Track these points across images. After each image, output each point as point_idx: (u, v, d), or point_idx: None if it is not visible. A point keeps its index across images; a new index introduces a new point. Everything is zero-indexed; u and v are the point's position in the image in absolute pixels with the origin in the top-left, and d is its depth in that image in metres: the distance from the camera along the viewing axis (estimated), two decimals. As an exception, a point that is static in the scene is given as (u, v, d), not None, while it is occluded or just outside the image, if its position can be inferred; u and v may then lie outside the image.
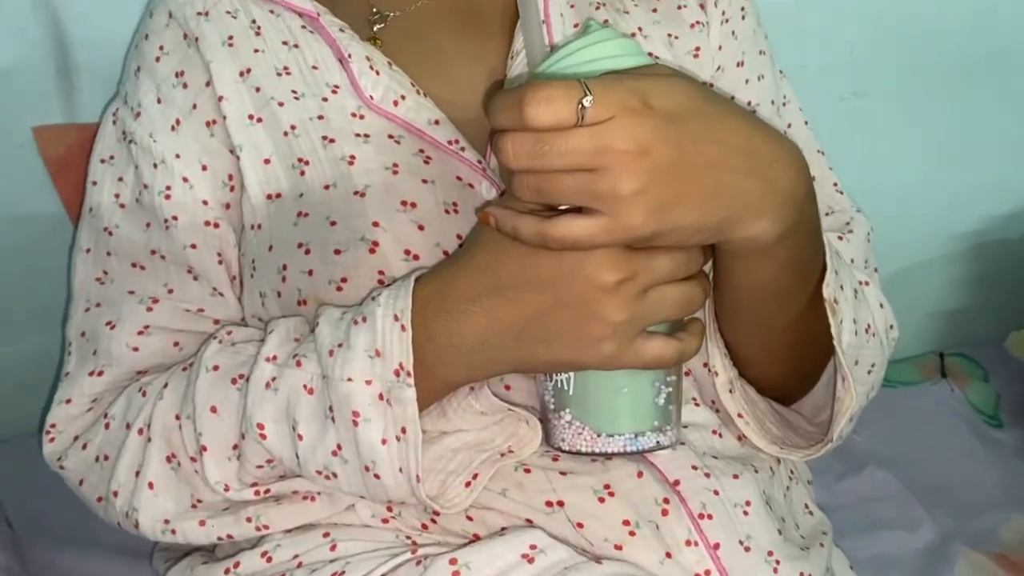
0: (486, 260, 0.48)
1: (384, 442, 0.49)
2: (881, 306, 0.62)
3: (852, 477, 0.94)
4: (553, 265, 0.46)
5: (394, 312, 0.49)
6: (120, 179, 0.63)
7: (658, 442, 0.50)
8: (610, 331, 0.46)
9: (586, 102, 0.41)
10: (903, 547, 0.88)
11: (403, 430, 0.49)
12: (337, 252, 0.56)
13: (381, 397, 0.49)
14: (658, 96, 0.42)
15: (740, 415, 0.59)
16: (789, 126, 0.71)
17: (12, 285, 0.84)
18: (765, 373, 0.60)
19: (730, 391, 0.59)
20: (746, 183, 0.45)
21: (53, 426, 0.60)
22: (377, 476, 0.50)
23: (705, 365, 0.59)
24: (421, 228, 0.57)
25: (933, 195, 1.04)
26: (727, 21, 0.68)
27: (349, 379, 0.49)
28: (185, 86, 0.62)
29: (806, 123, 0.72)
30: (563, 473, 0.55)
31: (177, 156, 0.61)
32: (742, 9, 0.69)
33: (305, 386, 0.51)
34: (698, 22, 0.67)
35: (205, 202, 0.61)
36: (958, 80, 0.98)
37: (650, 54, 0.63)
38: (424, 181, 0.58)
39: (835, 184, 0.71)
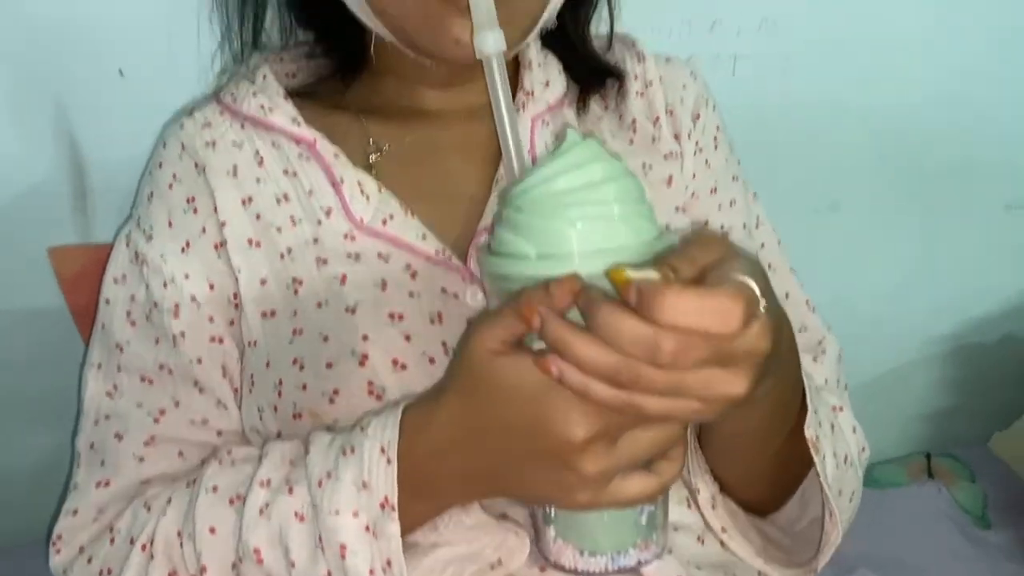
0: (465, 400, 0.50)
1: (372, 572, 0.51)
2: (854, 430, 0.66)
3: (843, 581, 0.96)
4: (526, 416, 0.47)
5: (381, 444, 0.52)
6: (132, 298, 0.67)
7: (639, 560, 0.52)
8: (583, 483, 0.47)
9: (761, 308, 0.42)
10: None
11: (388, 562, 0.51)
12: (329, 366, 0.60)
13: (368, 529, 0.51)
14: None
15: (724, 529, 0.62)
16: (762, 246, 0.75)
17: (24, 398, 0.87)
18: (745, 495, 0.62)
19: (712, 507, 0.62)
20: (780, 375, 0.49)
21: (60, 537, 0.63)
22: None
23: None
24: (408, 339, 0.60)
25: (909, 301, 1.07)
26: (700, 151, 0.72)
27: (337, 511, 0.52)
28: (195, 211, 0.66)
29: (779, 242, 0.76)
30: None
31: (186, 276, 0.65)
32: (715, 139, 0.74)
33: (296, 513, 0.53)
34: (672, 153, 0.71)
35: (211, 319, 0.65)
36: (928, 191, 1.03)
37: None
38: (411, 294, 0.62)
39: (807, 302, 0.75)
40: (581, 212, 0.47)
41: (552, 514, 0.53)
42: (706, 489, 0.61)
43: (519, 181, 0.50)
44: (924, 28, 0.94)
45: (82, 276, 0.79)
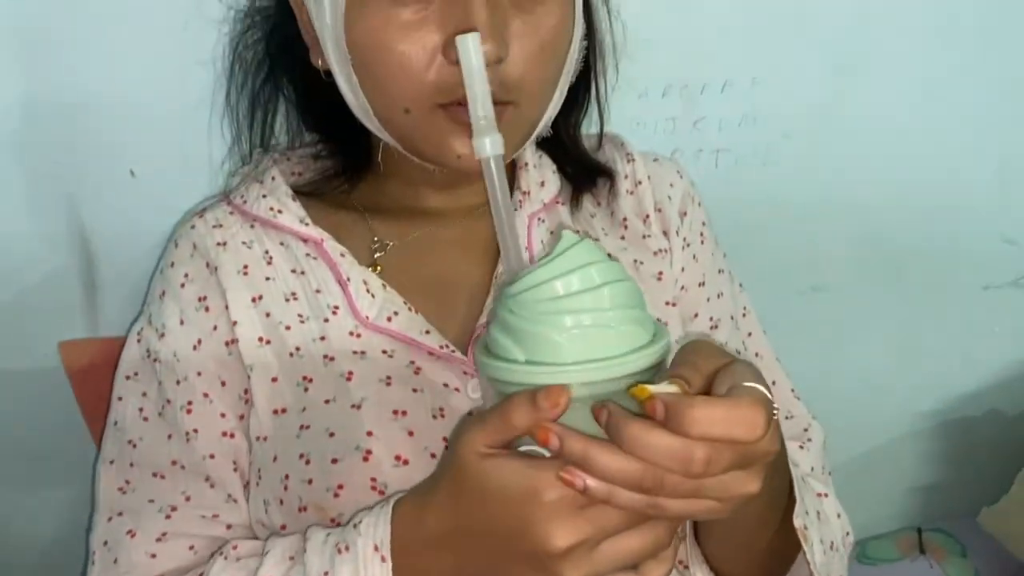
0: (454, 500, 0.51)
1: None
2: (838, 516, 0.68)
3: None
4: (510, 520, 0.48)
5: (374, 542, 0.53)
6: (144, 394, 0.69)
7: None
8: None
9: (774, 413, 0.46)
10: None
11: None
12: (334, 461, 0.62)
13: None
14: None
15: None
16: (749, 335, 0.78)
17: (33, 489, 0.89)
18: (734, 572, 0.65)
19: None
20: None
21: None
22: None
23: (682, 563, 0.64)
24: (411, 434, 0.62)
25: (895, 378, 1.10)
26: (688, 246, 0.76)
27: None
28: (207, 310, 0.69)
29: (763, 332, 0.79)
30: None
31: (199, 374, 0.67)
32: (701, 235, 0.77)
33: None
34: (662, 249, 0.74)
35: (223, 415, 0.67)
36: (908, 272, 1.06)
37: None
38: (415, 390, 0.64)
39: (792, 390, 0.78)
40: (575, 320, 0.49)
41: None
42: (700, 570, 0.63)
43: (514, 281, 0.51)
44: (899, 117, 0.98)
45: (91, 369, 0.81)
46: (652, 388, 0.45)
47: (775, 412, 0.47)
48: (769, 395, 0.46)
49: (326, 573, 0.54)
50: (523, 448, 0.49)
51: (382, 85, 0.63)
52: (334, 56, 0.64)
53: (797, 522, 0.59)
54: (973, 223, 1.06)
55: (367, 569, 0.53)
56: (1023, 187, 1.05)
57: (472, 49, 0.54)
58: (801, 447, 0.73)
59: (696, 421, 0.43)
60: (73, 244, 0.83)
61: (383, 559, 0.53)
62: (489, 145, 0.54)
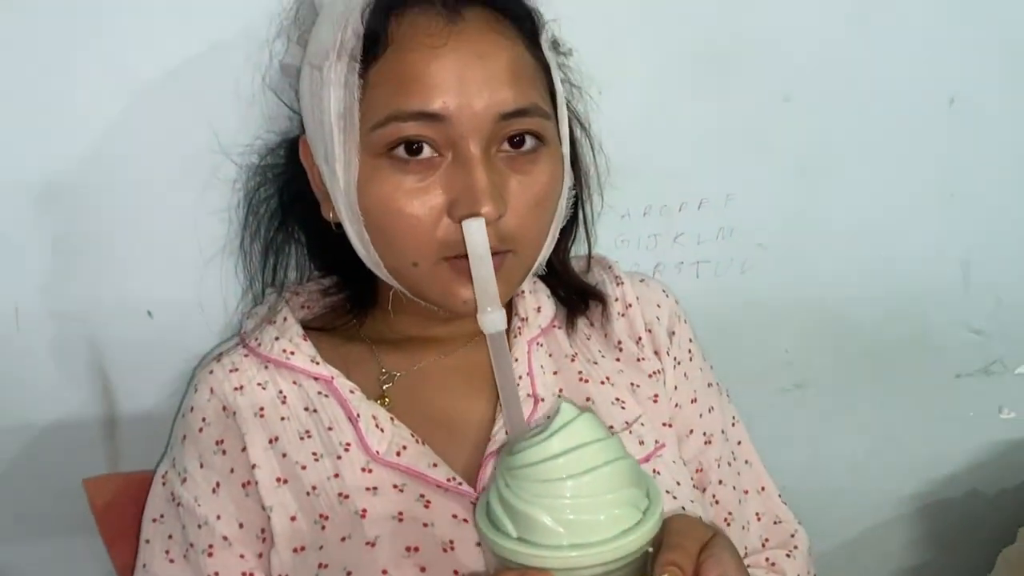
0: None
1: None
2: None
3: None
4: None
5: None
6: (170, 537, 0.73)
7: None
8: None
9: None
10: None
11: None
12: None
13: None
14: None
15: None
16: (739, 443, 0.83)
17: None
18: None
19: None
20: None
21: None
22: None
23: None
24: (423, 570, 0.66)
25: (876, 465, 1.14)
26: (679, 364, 0.81)
27: None
28: (224, 452, 0.73)
29: (750, 439, 0.84)
30: None
31: (218, 517, 0.71)
32: (689, 352, 0.83)
33: None
34: (656, 371, 0.79)
35: (242, 556, 0.70)
36: (885, 365, 1.11)
37: (617, 398, 0.76)
38: (425, 525, 0.68)
39: (779, 495, 0.82)
40: (569, 505, 0.51)
41: None
42: None
43: (513, 452, 0.54)
44: (865, 221, 1.04)
45: (113, 505, 0.84)
46: None
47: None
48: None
49: None
50: None
51: (392, 242, 0.68)
52: (347, 216, 0.70)
53: None
54: (941, 316, 1.11)
55: None
56: (985, 280, 1.11)
57: (477, 233, 0.59)
58: (788, 555, 0.77)
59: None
60: (94, 381, 0.87)
61: None
62: (491, 323, 0.59)
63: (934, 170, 1.04)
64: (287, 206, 0.81)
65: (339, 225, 0.73)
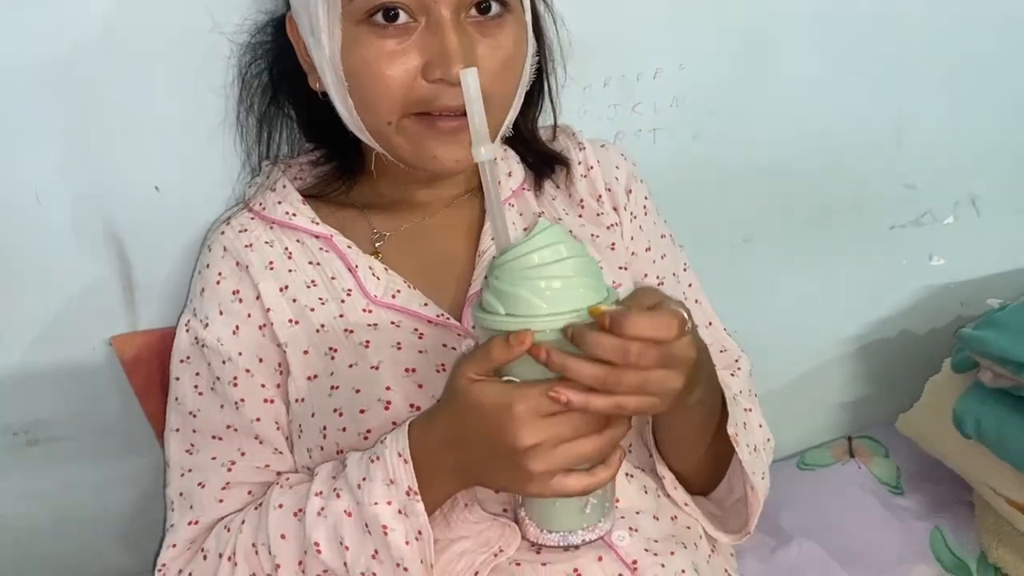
0: (450, 414, 0.67)
1: (408, 543, 0.69)
2: (760, 426, 0.85)
3: (782, 550, 1.13)
4: (490, 427, 0.63)
5: (398, 450, 0.69)
6: (197, 374, 0.83)
7: (583, 540, 0.69)
8: (531, 477, 0.63)
9: (689, 326, 0.63)
10: (827, 602, 1.08)
11: (419, 532, 0.68)
12: (362, 412, 0.76)
13: (400, 512, 0.68)
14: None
15: (686, 503, 0.81)
16: (690, 285, 0.94)
17: (99, 463, 1.04)
18: (689, 481, 0.82)
19: (675, 488, 0.81)
20: (702, 375, 0.69)
21: (164, 565, 0.79)
22: (406, 569, 0.69)
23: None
24: (421, 387, 0.77)
25: (819, 310, 1.26)
26: (634, 218, 0.91)
27: (375, 503, 0.69)
28: (240, 301, 0.83)
29: (700, 283, 0.95)
30: (544, 564, 0.74)
31: (240, 353, 0.81)
32: (644, 207, 0.93)
33: (345, 511, 0.70)
34: (613, 224, 0.89)
35: (263, 385, 0.81)
36: (825, 220, 1.22)
37: None
38: (420, 352, 0.79)
39: (725, 329, 0.94)
40: (546, 284, 0.62)
41: (521, 500, 0.71)
42: (668, 475, 0.80)
43: (501, 254, 0.65)
44: (806, 87, 1.13)
45: (139, 358, 0.95)
46: (604, 307, 0.62)
47: (690, 325, 0.63)
48: (687, 316, 0.63)
49: (364, 478, 0.69)
50: (503, 378, 0.65)
51: (371, 103, 0.76)
52: (332, 82, 0.77)
53: (730, 430, 0.76)
54: (876, 173, 1.22)
55: (394, 471, 0.68)
56: (917, 139, 1.21)
57: (471, 80, 0.66)
58: (732, 374, 0.90)
59: (629, 325, 0.60)
60: (111, 253, 0.96)
61: (405, 461, 0.68)
62: (484, 152, 0.67)
63: (867, 34, 1.13)
64: (277, 80, 0.89)
65: (325, 94, 0.80)
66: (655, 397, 0.63)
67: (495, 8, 0.75)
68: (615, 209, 0.90)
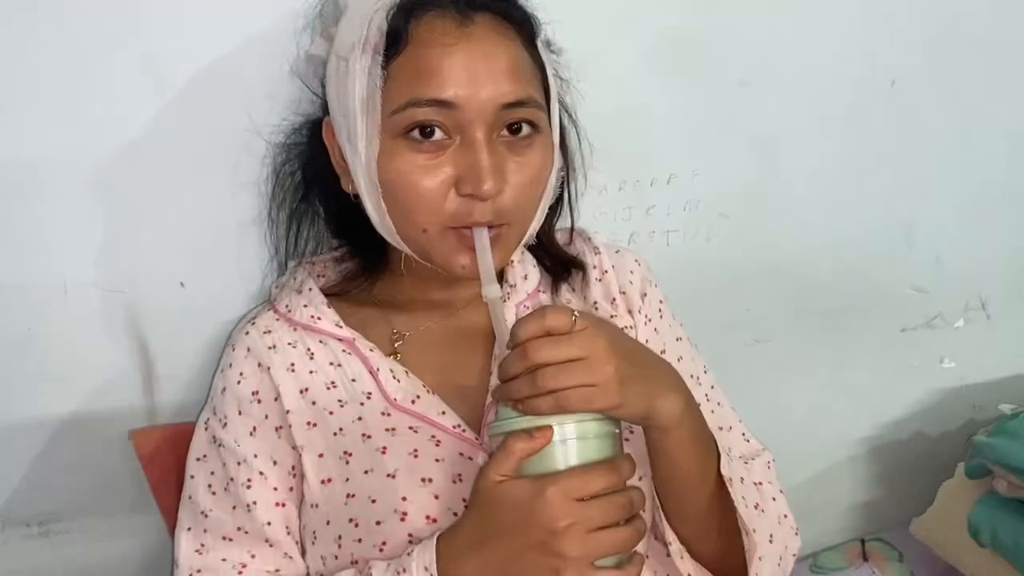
0: (478, 517, 0.70)
1: None
2: (774, 499, 0.84)
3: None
4: (521, 519, 0.67)
5: (424, 564, 0.70)
6: (212, 473, 0.84)
7: None
8: (566, 564, 0.66)
9: (575, 317, 0.67)
10: None
11: None
12: (378, 523, 0.77)
13: None
14: (606, 324, 0.70)
15: (690, 574, 0.80)
16: (712, 387, 0.93)
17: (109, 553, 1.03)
18: (701, 550, 0.81)
19: (681, 557, 0.80)
20: (658, 373, 0.73)
21: None
22: None
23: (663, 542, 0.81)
24: (437, 497, 0.77)
25: (832, 412, 1.27)
26: (649, 321, 0.92)
27: None
28: (259, 402, 0.83)
29: (719, 387, 0.96)
30: None
31: (255, 455, 0.82)
32: (659, 310, 0.94)
33: None
34: (627, 327, 0.90)
35: (276, 488, 0.81)
36: (836, 322, 1.23)
37: None
38: (437, 460, 0.79)
39: (744, 434, 0.94)
40: None
41: None
42: (675, 543, 0.80)
43: None
44: (817, 191, 1.15)
45: (157, 453, 0.95)
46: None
47: (576, 315, 0.67)
48: (573, 310, 0.68)
49: None
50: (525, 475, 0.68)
51: (406, 211, 0.79)
52: (366, 188, 0.80)
53: (724, 470, 0.77)
54: (887, 276, 1.23)
55: None
56: (926, 243, 1.23)
57: (483, 239, 0.74)
58: (746, 463, 0.89)
59: (519, 333, 0.67)
60: (134, 345, 0.97)
61: (432, 575, 0.69)
62: (491, 291, 0.73)
63: (877, 143, 1.16)
64: (310, 180, 0.91)
65: (356, 196, 0.83)
66: (592, 386, 0.67)
67: (526, 129, 0.79)
68: (629, 312, 0.92)
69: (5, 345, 0.93)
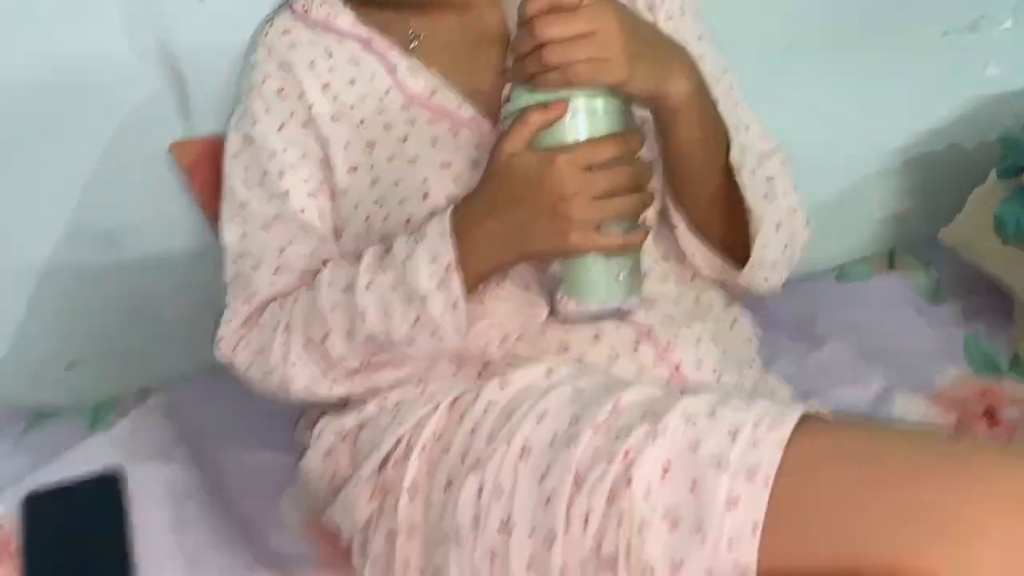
0: (492, 186, 0.75)
1: (444, 313, 0.75)
2: (784, 193, 0.86)
3: (815, 352, 1.17)
4: (532, 186, 0.72)
5: (440, 229, 0.75)
6: (246, 168, 0.89)
7: (618, 308, 0.75)
8: (572, 226, 0.72)
9: None
10: (856, 396, 1.11)
11: (455, 304, 0.75)
12: (401, 202, 0.82)
13: (439, 284, 0.75)
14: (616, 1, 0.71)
15: (694, 253, 0.84)
16: (731, 88, 0.94)
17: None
18: (708, 234, 0.85)
19: (687, 238, 0.84)
20: (668, 53, 0.74)
21: (222, 339, 0.87)
22: (441, 337, 0.76)
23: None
24: (456, 180, 0.82)
25: (865, 122, 1.22)
26: (670, 19, 0.92)
27: (418, 277, 0.75)
28: (285, 99, 0.87)
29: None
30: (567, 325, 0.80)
31: (284, 149, 0.87)
32: (681, 8, 0.93)
33: (391, 284, 0.77)
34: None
35: (306, 180, 0.87)
36: (873, 26, 1.19)
37: None
38: (455, 148, 0.83)
39: (761, 134, 0.94)
40: None
41: (559, 270, 0.76)
42: (681, 224, 0.84)
43: None
44: None
45: (197, 163, 1.01)
46: None
47: None
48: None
49: (409, 255, 0.76)
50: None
51: None
52: None
53: (732, 158, 0.80)
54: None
55: (437, 247, 0.75)
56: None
57: None
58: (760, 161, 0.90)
59: (526, 10, 0.70)
60: (165, 65, 1.01)
61: (448, 238, 0.75)
62: None
63: None
64: None
65: None
66: (600, 60, 0.69)
67: None
68: (650, 9, 0.91)
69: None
